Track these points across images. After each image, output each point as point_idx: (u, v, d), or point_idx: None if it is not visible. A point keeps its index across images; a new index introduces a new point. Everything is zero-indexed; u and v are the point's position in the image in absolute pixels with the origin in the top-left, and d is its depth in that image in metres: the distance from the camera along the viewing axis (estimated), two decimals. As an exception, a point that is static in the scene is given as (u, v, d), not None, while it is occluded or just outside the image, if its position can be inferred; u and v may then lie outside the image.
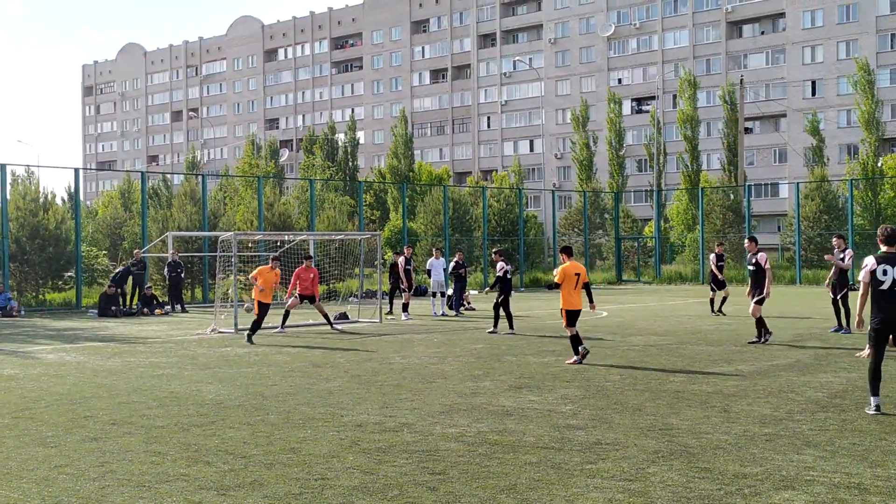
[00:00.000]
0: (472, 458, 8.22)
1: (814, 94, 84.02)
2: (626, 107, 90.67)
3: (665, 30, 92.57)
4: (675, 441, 8.85)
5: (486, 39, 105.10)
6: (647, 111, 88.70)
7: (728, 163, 72.80)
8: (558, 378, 13.30)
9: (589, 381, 12.91)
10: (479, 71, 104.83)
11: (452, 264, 28.39)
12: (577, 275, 15.17)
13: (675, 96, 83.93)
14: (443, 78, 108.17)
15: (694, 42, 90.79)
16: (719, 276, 25.45)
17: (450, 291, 28.47)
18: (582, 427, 9.60)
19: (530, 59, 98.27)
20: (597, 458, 8.17)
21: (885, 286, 9.97)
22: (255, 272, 20.28)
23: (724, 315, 24.68)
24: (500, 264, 21.68)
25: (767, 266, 17.55)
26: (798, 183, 49.69)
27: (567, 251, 15.66)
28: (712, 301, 25.52)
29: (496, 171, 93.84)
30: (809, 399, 11.18)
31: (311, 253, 31.46)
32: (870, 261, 10.19)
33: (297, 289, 22.42)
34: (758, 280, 17.56)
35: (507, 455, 8.34)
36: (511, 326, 21.08)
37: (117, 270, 31.72)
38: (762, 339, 17.59)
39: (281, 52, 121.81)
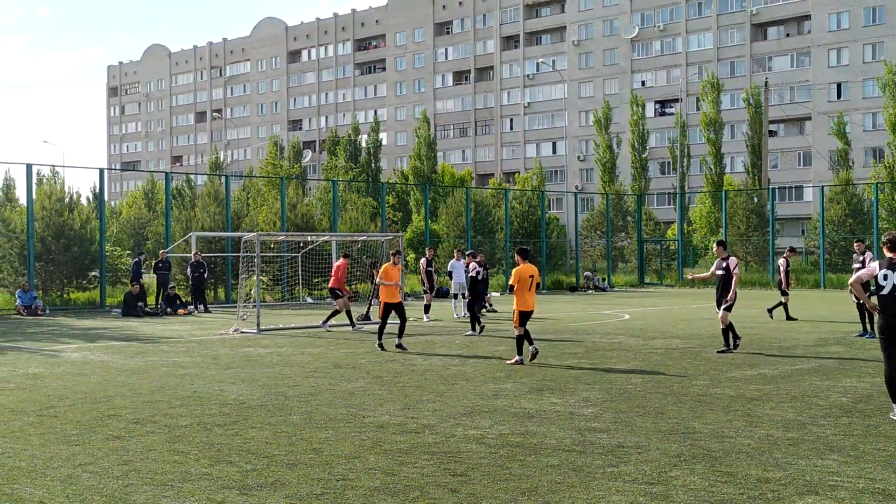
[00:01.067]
0: (494, 460, 8.22)
1: (839, 96, 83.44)
2: (650, 109, 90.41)
3: (689, 32, 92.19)
4: (697, 445, 8.81)
5: (510, 41, 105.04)
6: (671, 114, 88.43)
7: (752, 165, 72.49)
8: (580, 381, 13.27)
9: (611, 384, 12.87)
10: (501, 73, 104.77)
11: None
12: (531, 277, 15.55)
13: (698, 99, 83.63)
14: (465, 80, 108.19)
15: (718, 44, 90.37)
16: (785, 283, 25.04)
17: (471, 293, 28.41)
18: (604, 430, 9.58)
19: (553, 60, 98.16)
20: (618, 462, 8.14)
21: (885, 291, 9.98)
22: (381, 272, 18.75)
23: (772, 318, 24.67)
24: (472, 265, 22.33)
25: (736, 271, 16.90)
26: (823, 186, 49.35)
27: (522, 253, 15.87)
28: (786, 305, 25.17)
29: (518, 172, 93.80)
30: (833, 404, 11.10)
31: (333, 251, 31.56)
32: (874, 265, 10.27)
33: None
34: (726, 286, 16.87)
35: (529, 457, 8.33)
36: (473, 328, 21.23)
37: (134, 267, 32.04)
38: (733, 347, 16.97)
39: (304, 53, 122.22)
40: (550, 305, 32.48)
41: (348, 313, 23.16)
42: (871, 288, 10.41)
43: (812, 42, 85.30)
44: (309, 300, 35.29)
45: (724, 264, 16.92)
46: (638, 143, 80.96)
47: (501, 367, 15.02)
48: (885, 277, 10.01)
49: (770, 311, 25.18)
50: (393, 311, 18.20)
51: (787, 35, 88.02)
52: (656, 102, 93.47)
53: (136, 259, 32.34)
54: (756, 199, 54.07)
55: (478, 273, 22.37)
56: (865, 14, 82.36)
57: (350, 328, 22.88)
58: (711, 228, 62.17)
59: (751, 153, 73.40)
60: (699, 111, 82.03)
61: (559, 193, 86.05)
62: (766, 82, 62.84)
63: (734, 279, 16.81)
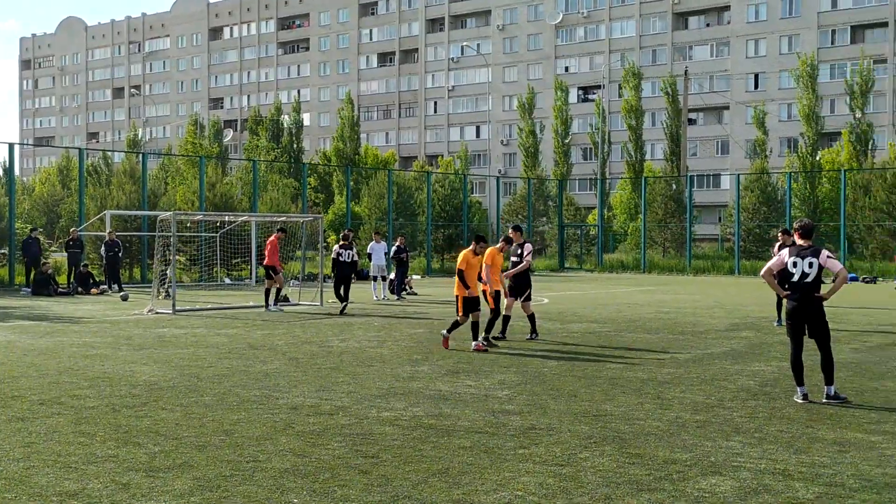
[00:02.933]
0: (406, 442, 8.21)
1: (756, 87, 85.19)
2: (573, 95, 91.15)
3: (612, 19, 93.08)
4: (607, 427, 8.93)
5: (434, 24, 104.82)
6: (593, 100, 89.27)
7: (671, 153, 73.71)
8: (496, 364, 13.34)
9: (526, 367, 12.97)
10: (426, 55, 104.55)
11: (394, 248, 28.40)
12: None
13: (620, 86, 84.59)
14: (390, 62, 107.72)
15: (640, 32, 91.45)
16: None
17: (391, 276, 28.43)
18: (517, 412, 9.64)
19: (478, 44, 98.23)
20: (530, 443, 8.21)
21: (794, 278, 10.34)
22: (487, 258, 15.53)
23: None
24: (335, 248, 23.78)
25: (528, 258, 16.38)
26: (739, 174, 50.39)
27: (476, 239, 15.32)
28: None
29: (442, 156, 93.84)
30: (741, 387, 11.35)
31: (253, 232, 31.11)
32: (784, 253, 10.61)
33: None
34: (519, 273, 16.39)
35: (441, 439, 8.35)
36: (342, 308, 22.20)
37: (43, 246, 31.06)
38: (532, 335, 16.45)
39: (226, 30, 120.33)
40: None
41: (276, 291, 22.89)
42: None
43: (731, 33, 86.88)
44: (227, 281, 34.86)
45: (519, 251, 16.47)
46: (561, 129, 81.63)
47: (419, 349, 15.01)
48: (795, 265, 10.32)
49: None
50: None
51: (708, 25, 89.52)
52: (579, 88, 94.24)
53: (28, 237, 31.02)
54: (675, 186, 55.01)
55: (339, 255, 23.21)
56: (783, 6, 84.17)
57: (265, 308, 22.60)
58: (631, 214, 63.04)
59: (670, 141, 74.61)
60: (621, 98, 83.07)
61: (482, 177, 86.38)
62: (685, 71, 63.81)
63: (525, 264, 16.36)
